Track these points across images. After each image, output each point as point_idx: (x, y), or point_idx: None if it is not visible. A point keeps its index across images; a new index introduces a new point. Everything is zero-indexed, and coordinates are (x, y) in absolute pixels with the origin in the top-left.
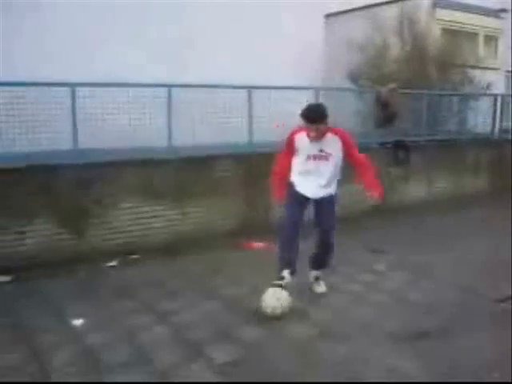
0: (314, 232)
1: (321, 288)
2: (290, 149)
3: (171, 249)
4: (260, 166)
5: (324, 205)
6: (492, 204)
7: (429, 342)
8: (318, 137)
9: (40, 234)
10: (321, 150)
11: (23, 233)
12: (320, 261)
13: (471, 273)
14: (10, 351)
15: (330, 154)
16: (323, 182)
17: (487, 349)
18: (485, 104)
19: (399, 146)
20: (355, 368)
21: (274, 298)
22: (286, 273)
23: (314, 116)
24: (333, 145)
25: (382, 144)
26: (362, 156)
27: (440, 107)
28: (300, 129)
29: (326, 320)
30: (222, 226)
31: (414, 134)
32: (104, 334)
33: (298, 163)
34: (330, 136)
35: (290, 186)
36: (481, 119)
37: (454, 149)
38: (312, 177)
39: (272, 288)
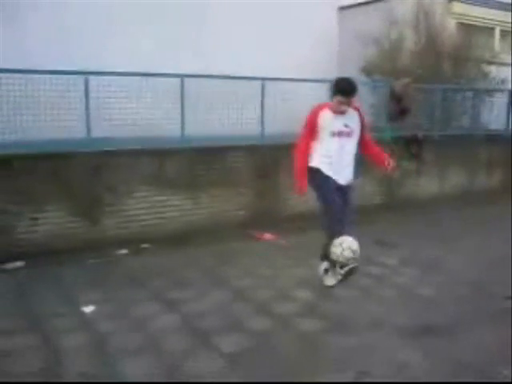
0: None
1: (331, 280)
2: (312, 129)
3: (183, 238)
4: (272, 157)
5: (348, 192)
6: (504, 201)
7: (437, 337)
8: (345, 110)
9: (53, 221)
10: (345, 125)
11: (36, 219)
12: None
13: (481, 269)
14: (23, 336)
15: (354, 130)
16: (347, 160)
17: (495, 345)
18: (499, 100)
19: (412, 140)
20: (363, 361)
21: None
22: None
23: (352, 89)
24: (354, 120)
25: (395, 138)
26: (374, 146)
27: (454, 102)
28: (322, 105)
29: (335, 313)
30: (233, 217)
31: (427, 129)
32: (114, 322)
33: (321, 144)
34: (351, 111)
35: (317, 172)
36: (495, 115)
37: (467, 145)
38: (337, 158)
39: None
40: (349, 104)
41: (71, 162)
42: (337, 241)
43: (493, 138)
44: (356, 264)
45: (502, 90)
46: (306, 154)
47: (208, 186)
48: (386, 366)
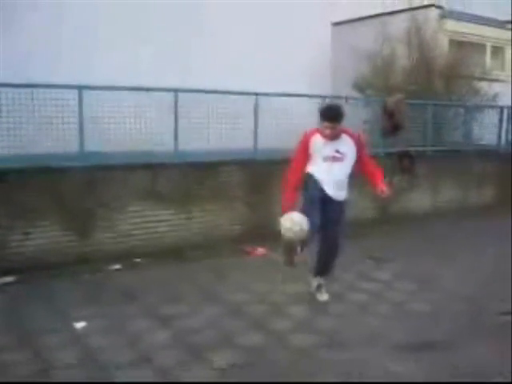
0: (321, 236)
1: (323, 296)
2: (305, 153)
3: (176, 253)
4: (265, 172)
5: (337, 207)
6: (497, 217)
7: (432, 352)
8: (333, 136)
9: (45, 236)
10: (337, 151)
11: (28, 233)
12: (325, 267)
13: (474, 284)
14: (13, 352)
15: (346, 155)
16: (339, 184)
17: (489, 361)
18: (491, 116)
19: (404, 155)
20: (358, 377)
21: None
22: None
23: (334, 114)
24: (347, 146)
25: (388, 154)
26: (371, 158)
27: (446, 118)
28: (314, 131)
29: (328, 329)
30: (226, 232)
31: (419, 145)
32: (106, 337)
33: (314, 166)
34: (344, 137)
35: (311, 179)
36: (487, 131)
37: (459, 160)
38: (329, 177)
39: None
40: (334, 129)
41: (64, 176)
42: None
43: (485, 154)
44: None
45: (493, 106)
46: (299, 174)
47: (201, 200)
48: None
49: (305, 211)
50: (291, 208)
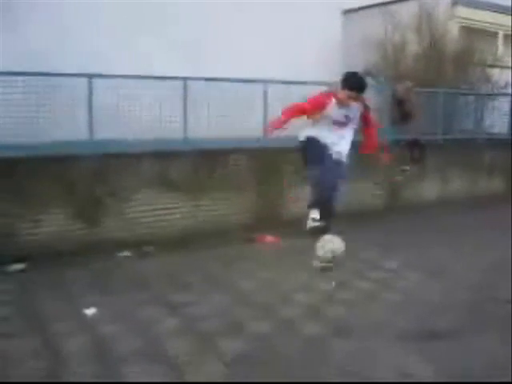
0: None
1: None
2: (316, 109)
3: (185, 241)
4: (274, 160)
5: (338, 167)
6: (506, 205)
7: (439, 342)
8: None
9: (55, 224)
10: (346, 116)
11: (38, 221)
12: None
13: (483, 273)
14: (24, 338)
15: (352, 120)
16: (343, 145)
17: (498, 350)
18: (502, 104)
19: (414, 144)
20: (363, 365)
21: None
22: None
23: (363, 86)
24: (355, 111)
25: (398, 141)
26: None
27: (456, 106)
28: (330, 95)
29: (337, 317)
30: (235, 220)
31: (429, 133)
32: (115, 324)
33: (321, 125)
34: (354, 103)
35: (313, 140)
36: (498, 119)
37: (469, 149)
38: (333, 141)
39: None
40: (357, 100)
41: (74, 164)
42: (319, 244)
43: (496, 142)
44: (330, 265)
45: (505, 94)
46: (299, 114)
47: (210, 188)
48: (388, 371)
49: (317, 175)
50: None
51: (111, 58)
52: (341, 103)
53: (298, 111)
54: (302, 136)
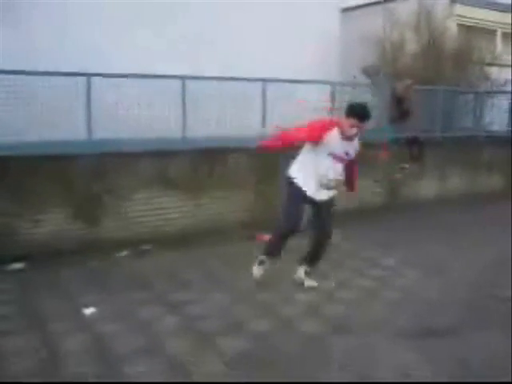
0: (311, 232)
1: (311, 282)
2: (314, 140)
3: (184, 240)
4: (273, 159)
5: (325, 207)
6: (506, 203)
7: (438, 339)
8: (353, 136)
9: (54, 223)
10: (346, 153)
11: (37, 221)
12: (315, 258)
13: (482, 271)
14: (22, 337)
15: (350, 157)
16: (332, 182)
17: (497, 348)
18: (501, 102)
19: (413, 141)
20: (363, 363)
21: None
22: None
23: (368, 115)
24: (353, 147)
25: (397, 139)
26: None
27: (455, 104)
28: (334, 124)
29: (337, 315)
30: (234, 218)
31: (428, 131)
32: (114, 324)
33: (312, 158)
34: (355, 139)
35: (293, 184)
36: (497, 117)
37: (468, 146)
38: (325, 178)
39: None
40: (361, 129)
41: (72, 163)
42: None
43: (495, 140)
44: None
45: (504, 92)
46: (289, 145)
47: (209, 187)
48: (387, 369)
49: (288, 206)
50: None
51: (110, 54)
52: (344, 134)
53: (289, 143)
54: (290, 174)
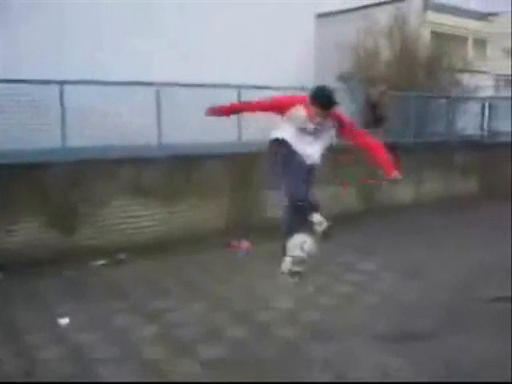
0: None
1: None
2: (281, 111)
3: (160, 247)
4: (249, 165)
5: (311, 174)
6: (480, 206)
7: (420, 342)
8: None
9: (28, 232)
10: (315, 129)
11: (12, 230)
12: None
13: (460, 273)
14: None
15: (322, 133)
16: (312, 153)
17: (478, 349)
18: (473, 107)
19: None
20: (343, 367)
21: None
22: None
23: (331, 103)
24: (326, 129)
25: None
26: (363, 135)
27: (428, 109)
28: (301, 101)
29: (315, 320)
30: (211, 226)
31: (402, 136)
32: (90, 333)
33: (289, 129)
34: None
35: (283, 144)
36: (469, 122)
37: (442, 151)
38: (304, 145)
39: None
40: (326, 116)
41: (47, 171)
42: (293, 242)
43: (468, 144)
44: (300, 270)
45: (475, 98)
46: (242, 110)
47: (185, 194)
48: (367, 372)
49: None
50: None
51: (100, 60)
52: (310, 117)
53: (249, 107)
54: (274, 136)
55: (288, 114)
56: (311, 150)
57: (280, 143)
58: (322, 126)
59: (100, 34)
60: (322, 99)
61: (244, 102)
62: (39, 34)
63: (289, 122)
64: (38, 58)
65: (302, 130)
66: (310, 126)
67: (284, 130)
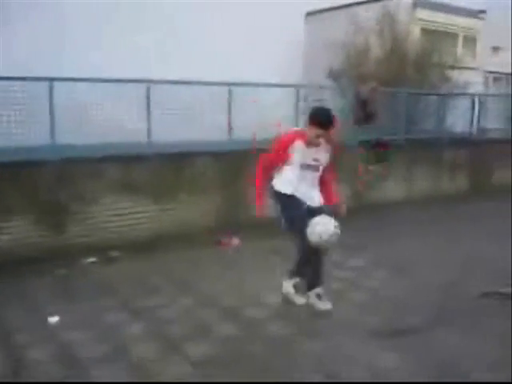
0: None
1: (326, 305)
2: (282, 155)
3: (150, 245)
4: (239, 163)
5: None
6: (469, 202)
7: (410, 338)
8: (320, 143)
9: (17, 231)
10: (315, 160)
11: (0, 229)
12: (318, 275)
13: (449, 269)
14: None
15: (322, 164)
16: (313, 192)
17: (467, 345)
18: (463, 104)
19: (378, 144)
20: (335, 364)
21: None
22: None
23: (330, 121)
24: (325, 153)
25: (362, 142)
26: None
27: (419, 106)
28: (298, 134)
29: (305, 317)
30: (201, 223)
31: (393, 133)
32: (80, 331)
33: (289, 171)
34: (323, 143)
35: (282, 195)
36: (459, 119)
37: (432, 148)
38: (304, 187)
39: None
40: (327, 136)
41: (35, 169)
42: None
43: (458, 141)
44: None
45: (465, 94)
46: (267, 175)
47: (175, 192)
48: (358, 368)
49: (290, 220)
50: (263, 207)
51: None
52: (310, 143)
53: (266, 169)
54: (278, 189)
55: (292, 152)
56: (312, 193)
57: (279, 194)
58: (320, 155)
59: (99, 33)
60: (322, 118)
61: (259, 166)
62: (38, 33)
63: (291, 163)
64: (38, 56)
65: (304, 167)
66: (310, 157)
67: (284, 180)
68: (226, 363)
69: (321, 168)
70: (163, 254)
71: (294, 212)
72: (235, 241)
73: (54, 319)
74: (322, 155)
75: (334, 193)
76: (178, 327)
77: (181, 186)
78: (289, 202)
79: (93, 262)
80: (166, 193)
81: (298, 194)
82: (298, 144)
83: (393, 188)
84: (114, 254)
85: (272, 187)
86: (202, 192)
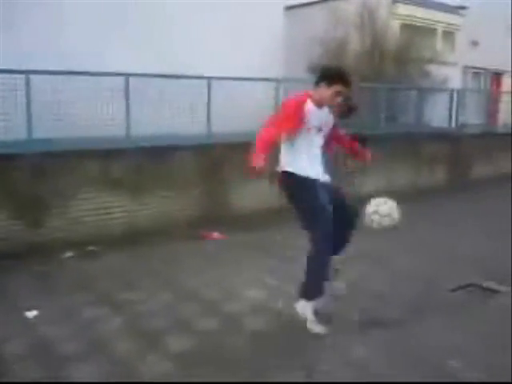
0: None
1: (320, 328)
2: (298, 122)
3: (129, 240)
4: (219, 156)
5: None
6: (449, 196)
7: (384, 331)
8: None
9: None
10: (325, 120)
11: None
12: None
13: (426, 263)
14: None
15: (329, 128)
16: (320, 166)
17: (442, 337)
18: (442, 98)
19: (357, 138)
20: (313, 356)
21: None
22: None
23: (349, 77)
24: (330, 116)
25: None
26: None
27: (398, 101)
28: (304, 96)
29: (285, 311)
30: (181, 217)
31: (371, 127)
32: (58, 326)
33: (302, 140)
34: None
35: (305, 178)
36: (438, 113)
37: (411, 142)
38: (317, 158)
39: None
40: (348, 94)
41: (12, 163)
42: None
43: (437, 136)
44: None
45: (443, 89)
46: (272, 143)
47: (155, 186)
48: (336, 361)
49: (312, 208)
50: (263, 166)
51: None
52: (323, 103)
53: (270, 141)
54: (286, 169)
55: (308, 117)
56: (320, 168)
57: (294, 176)
58: (326, 115)
59: (99, 30)
60: (341, 73)
61: (262, 133)
62: (40, 30)
63: (305, 129)
64: (40, 54)
65: (318, 129)
66: (321, 118)
67: (301, 155)
68: (204, 358)
69: (326, 130)
70: (142, 248)
71: (317, 202)
72: (215, 235)
73: (32, 313)
74: (329, 117)
75: (365, 151)
76: (158, 321)
77: (160, 179)
78: (313, 191)
79: (71, 257)
80: (146, 187)
81: (314, 172)
82: (310, 106)
83: (371, 182)
84: (93, 248)
85: (285, 171)
86: (183, 186)
